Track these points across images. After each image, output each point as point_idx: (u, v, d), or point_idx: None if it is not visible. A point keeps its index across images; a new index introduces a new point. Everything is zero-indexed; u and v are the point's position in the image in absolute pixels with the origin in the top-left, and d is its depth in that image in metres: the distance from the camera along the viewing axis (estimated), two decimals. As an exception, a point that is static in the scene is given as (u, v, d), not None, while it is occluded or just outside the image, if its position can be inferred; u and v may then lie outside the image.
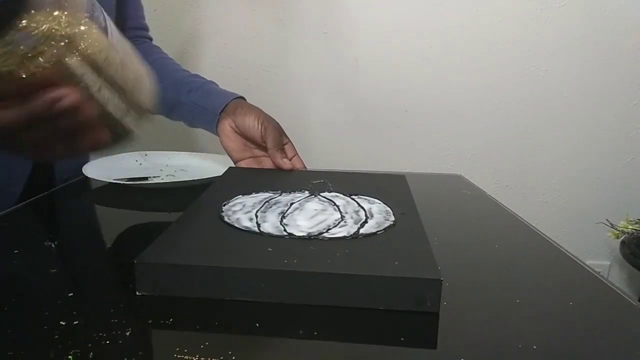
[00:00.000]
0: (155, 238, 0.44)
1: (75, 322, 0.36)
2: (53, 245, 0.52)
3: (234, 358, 0.33)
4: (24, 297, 0.41)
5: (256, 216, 0.51)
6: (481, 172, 1.49)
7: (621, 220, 1.44)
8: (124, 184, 0.72)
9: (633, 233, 1.40)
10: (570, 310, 0.42)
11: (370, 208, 0.55)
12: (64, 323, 0.36)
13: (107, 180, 0.73)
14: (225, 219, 0.50)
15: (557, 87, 1.45)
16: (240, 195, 0.58)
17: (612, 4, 1.39)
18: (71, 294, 0.41)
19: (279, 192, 0.60)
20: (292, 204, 0.55)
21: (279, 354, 0.35)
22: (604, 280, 0.48)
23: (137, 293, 0.40)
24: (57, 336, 0.35)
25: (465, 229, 0.63)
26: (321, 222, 0.49)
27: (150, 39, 0.95)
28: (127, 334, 0.35)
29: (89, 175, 0.74)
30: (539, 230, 0.62)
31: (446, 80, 1.44)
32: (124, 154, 0.87)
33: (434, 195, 0.81)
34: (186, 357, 0.32)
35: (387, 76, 1.44)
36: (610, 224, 1.45)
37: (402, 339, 0.36)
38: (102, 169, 0.77)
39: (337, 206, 0.55)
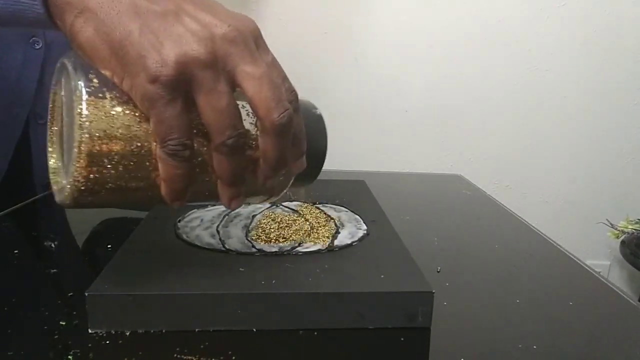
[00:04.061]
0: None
1: (75, 322, 0.36)
2: (53, 245, 0.52)
3: (234, 358, 0.33)
4: (24, 297, 0.41)
5: (218, 232, 0.47)
6: (481, 172, 1.49)
7: (621, 220, 1.44)
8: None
9: (633, 233, 1.40)
10: (570, 310, 0.42)
11: (339, 216, 0.52)
12: (64, 323, 0.36)
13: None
14: (184, 236, 0.45)
15: (557, 87, 1.45)
16: (195, 209, 0.53)
17: (612, 4, 1.39)
18: (71, 294, 0.41)
19: None
20: (254, 216, 0.51)
21: (279, 354, 0.35)
22: (604, 280, 0.48)
23: (90, 331, 0.35)
24: (57, 336, 0.35)
25: (465, 229, 0.63)
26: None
27: None
28: (127, 334, 0.35)
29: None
30: (539, 230, 0.62)
31: (446, 81, 1.44)
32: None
33: (434, 195, 0.81)
34: (186, 357, 0.32)
35: (387, 76, 1.44)
36: (610, 224, 1.45)
37: (399, 350, 0.36)
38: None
39: (304, 216, 0.51)
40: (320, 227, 0.49)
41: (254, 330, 0.36)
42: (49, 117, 0.33)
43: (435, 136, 1.49)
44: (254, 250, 0.43)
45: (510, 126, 1.48)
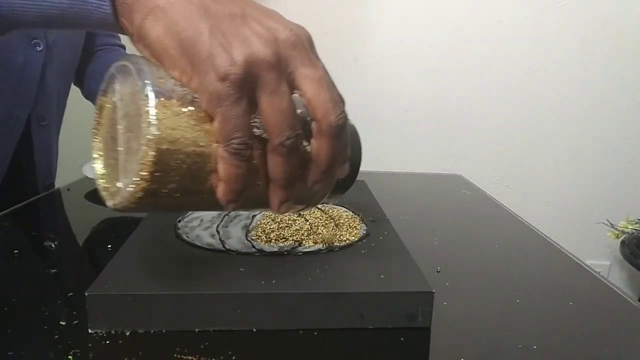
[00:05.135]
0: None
1: (75, 322, 0.36)
2: (53, 245, 0.52)
3: (234, 358, 0.33)
4: (24, 297, 0.41)
5: (218, 232, 0.47)
6: (481, 172, 1.49)
7: (621, 220, 1.44)
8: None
9: (633, 233, 1.40)
10: (570, 310, 0.42)
11: (339, 216, 0.52)
12: (64, 323, 0.36)
13: (107, 180, 0.73)
14: (184, 236, 0.45)
15: (557, 87, 1.45)
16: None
17: (612, 4, 1.39)
18: (71, 294, 0.41)
19: None
20: (254, 216, 0.51)
21: (279, 354, 0.35)
22: (604, 280, 0.48)
23: (90, 331, 0.35)
24: (57, 336, 0.35)
25: (465, 229, 0.63)
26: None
27: (122, 47, 0.91)
28: (127, 334, 0.35)
29: (88, 175, 0.74)
30: (539, 230, 0.62)
31: (446, 81, 1.44)
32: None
33: (434, 195, 0.81)
34: (186, 357, 0.32)
35: (387, 76, 1.44)
36: (610, 224, 1.45)
37: (399, 348, 0.36)
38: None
39: (304, 216, 0.51)
40: (320, 227, 0.49)
41: (254, 330, 0.36)
42: (94, 125, 0.32)
43: (435, 136, 1.49)
44: (254, 250, 0.43)
45: (511, 126, 1.48)
